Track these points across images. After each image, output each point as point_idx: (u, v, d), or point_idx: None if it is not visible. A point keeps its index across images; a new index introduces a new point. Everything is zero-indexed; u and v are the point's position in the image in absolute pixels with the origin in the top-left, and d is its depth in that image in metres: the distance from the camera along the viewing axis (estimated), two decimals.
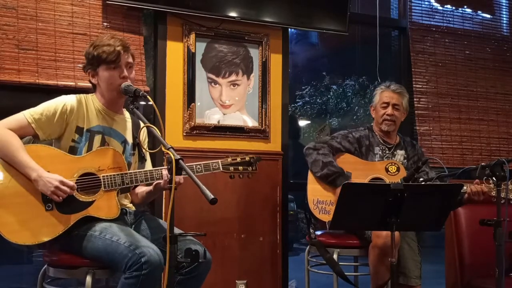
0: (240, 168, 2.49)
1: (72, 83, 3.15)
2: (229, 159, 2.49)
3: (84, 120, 2.37)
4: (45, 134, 2.31)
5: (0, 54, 3.01)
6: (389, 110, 3.23)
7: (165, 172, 2.29)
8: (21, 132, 2.27)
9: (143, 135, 2.55)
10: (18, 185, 2.21)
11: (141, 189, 2.52)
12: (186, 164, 1.95)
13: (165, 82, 3.42)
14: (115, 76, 2.36)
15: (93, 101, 2.43)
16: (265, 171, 3.59)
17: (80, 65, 2.47)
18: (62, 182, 2.18)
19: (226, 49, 3.58)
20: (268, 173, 3.61)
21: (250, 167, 2.52)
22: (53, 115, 2.30)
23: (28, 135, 2.32)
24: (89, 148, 2.35)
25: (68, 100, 2.36)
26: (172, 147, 1.97)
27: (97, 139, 2.38)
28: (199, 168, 2.40)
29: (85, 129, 2.36)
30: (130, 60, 2.42)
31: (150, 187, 2.43)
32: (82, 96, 2.43)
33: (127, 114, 2.55)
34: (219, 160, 2.46)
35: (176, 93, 3.43)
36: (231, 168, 2.47)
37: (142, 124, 2.56)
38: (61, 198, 2.19)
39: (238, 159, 2.49)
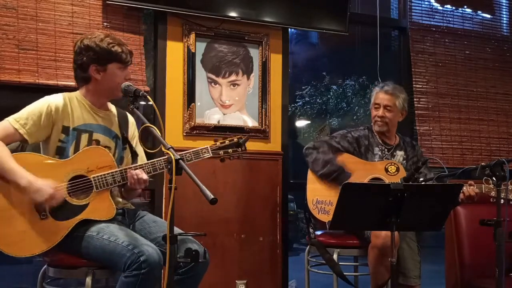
0: (230, 150, 2.45)
1: (72, 83, 3.11)
2: (218, 143, 2.45)
3: (70, 119, 2.33)
4: (33, 139, 2.27)
5: (0, 54, 3.01)
6: (380, 111, 3.22)
7: (129, 174, 2.26)
8: (8, 140, 2.24)
9: (132, 130, 2.53)
10: (10, 197, 2.18)
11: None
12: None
13: (165, 82, 3.42)
14: (122, 77, 2.36)
15: (77, 98, 2.39)
16: (265, 171, 3.60)
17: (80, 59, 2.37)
18: (52, 196, 2.16)
19: (226, 49, 3.58)
20: (268, 173, 3.61)
21: (239, 148, 2.47)
22: (38, 118, 2.27)
23: (15, 141, 2.29)
24: (76, 147, 2.32)
25: (51, 100, 2.32)
26: (172, 147, 1.97)
27: (84, 137, 2.35)
28: (189, 157, 2.36)
29: (71, 128, 2.33)
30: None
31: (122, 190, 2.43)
32: (66, 94, 2.39)
33: (113, 108, 2.52)
34: (208, 146, 2.42)
35: (176, 93, 3.43)
36: (221, 152, 2.43)
37: (129, 116, 2.55)
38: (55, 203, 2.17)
39: (227, 142, 2.45)
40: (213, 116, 3.52)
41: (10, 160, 2.18)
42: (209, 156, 2.41)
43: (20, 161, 2.20)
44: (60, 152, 2.31)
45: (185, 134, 3.44)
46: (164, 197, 3.32)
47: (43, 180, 2.17)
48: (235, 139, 2.47)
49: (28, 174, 2.16)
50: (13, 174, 2.16)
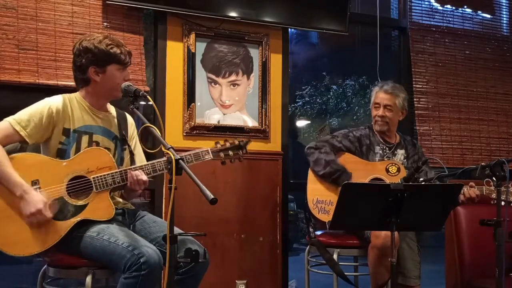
0: (231, 153, 2.44)
1: (73, 83, 3.11)
2: (219, 145, 2.44)
3: (70, 120, 2.33)
4: (34, 140, 2.27)
5: (0, 54, 3.01)
6: (380, 111, 3.22)
7: (129, 175, 2.26)
8: (7, 140, 2.23)
9: (131, 130, 2.53)
10: (9, 197, 2.16)
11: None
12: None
13: (165, 82, 3.42)
14: (121, 78, 2.36)
15: (76, 100, 2.39)
16: (265, 171, 3.60)
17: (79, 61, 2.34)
18: (39, 212, 2.13)
19: (226, 49, 3.58)
20: (268, 173, 3.61)
21: (241, 151, 2.46)
22: (40, 120, 2.26)
23: (14, 142, 2.28)
24: (77, 149, 2.31)
25: (52, 102, 2.31)
26: (172, 147, 1.97)
27: (85, 139, 2.34)
28: (189, 158, 2.35)
29: (71, 130, 2.32)
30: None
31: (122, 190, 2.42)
32: (65, 95, 2.38)
33: (112, 109, 2.51)
34: (209, 148, 2.41)
35: (176, 93, 3.43)
36: (222, 154, 2.43)
37: (128, 117, 2.55)
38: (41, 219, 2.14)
39: (228, 144, 2.44)
40: (213, 116, 3.52)
41: (8, 166, 2.16)
42: (210, 158, 2.40)
43: (21, 162, 2.20)
44: (61, 154, 2.30)
45: (185, 134, 3.44)
46: (164, 197, 3.32)
47: (37, 194, 2.16)
48: (236, 142, 2.46)
49: (24, 183, 2.15)
50: (9, 183, 2.15)
